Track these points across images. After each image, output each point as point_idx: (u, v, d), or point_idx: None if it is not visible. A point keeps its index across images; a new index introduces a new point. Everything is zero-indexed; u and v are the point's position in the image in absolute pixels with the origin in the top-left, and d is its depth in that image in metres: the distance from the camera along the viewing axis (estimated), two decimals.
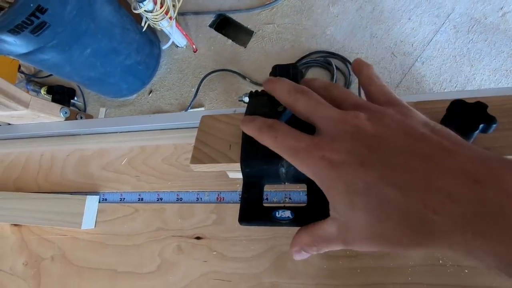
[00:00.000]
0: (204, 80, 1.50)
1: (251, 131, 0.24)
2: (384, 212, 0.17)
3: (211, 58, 1.54)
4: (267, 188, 0.34)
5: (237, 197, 0.35)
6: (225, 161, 0.30)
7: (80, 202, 0.37)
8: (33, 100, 0.36)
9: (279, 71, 0.33)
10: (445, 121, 0.25)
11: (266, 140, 0.22)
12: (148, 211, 0.38)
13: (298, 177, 0.28)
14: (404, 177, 0.16)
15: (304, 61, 1.36)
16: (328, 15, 1.42)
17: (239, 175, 0.32)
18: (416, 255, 0.30)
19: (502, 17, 1.24)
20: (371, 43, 1.34)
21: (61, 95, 0.40)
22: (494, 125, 0.23)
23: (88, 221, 0.38)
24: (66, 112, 0.41)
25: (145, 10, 1.25)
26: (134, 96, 1.60)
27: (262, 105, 0.32)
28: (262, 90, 0.35)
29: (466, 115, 0.24)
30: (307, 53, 1.37)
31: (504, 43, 1.21)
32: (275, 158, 0.27)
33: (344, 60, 1.33)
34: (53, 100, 0.40)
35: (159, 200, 0.37)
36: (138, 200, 0.38)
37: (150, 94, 1.60)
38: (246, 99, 0.35)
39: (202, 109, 1.48)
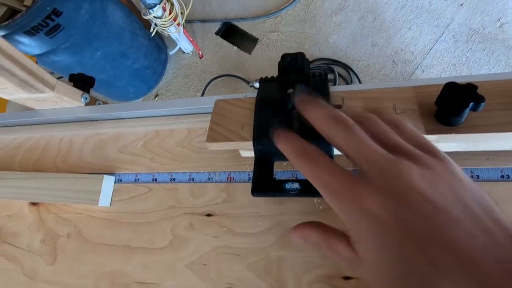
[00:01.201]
0: (209, 85, 1.54)
1: (286, 153, 0.22)
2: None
3: (216, 64, 1.58)
4: (275, 168, 0.37)
5: (246, 176, 0.37)
6: (238, 139, 0.33)
7: (98, 180, 0.40)
8: (58, 83, 0.39)
9: (288, 59, 0.36)
10: (439, 100, 0.28)
11: (302, 169, 0.20)
12: (162, 191, 0.40)
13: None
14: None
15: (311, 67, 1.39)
16: (331, 24, 1.47)
17: (251, 154, 0.35)
18: None
19: (499, 27, 1.28)
20: (373, 51, 1.38)
21: (83, 83, 0.43)
22: (483, 104, 0.25)
23: (105, 199, 0.40)
24: (86, 98, 0.43)
25: (154, 16, 1.30)
26: (141, 99, 1.64)
27: (272, 90, 0.35)
28: (271, 76, 0.38)
29: (458, 94, 0.26)
30: (310, 60, 1.41)
31: (502, 52, 1.25)
32: None
33: (346, 67, 1.37)
34: (74, 87, 0.43)
35: (172, 180, 0.40)
36: (152, 180, 0.40)
37: (156, 98, 1.63)
38: (257, 85, 0.37)
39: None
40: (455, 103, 0.26)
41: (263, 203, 0.36)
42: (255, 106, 0.34)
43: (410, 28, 1.37)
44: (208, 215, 0.37)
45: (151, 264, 0.37)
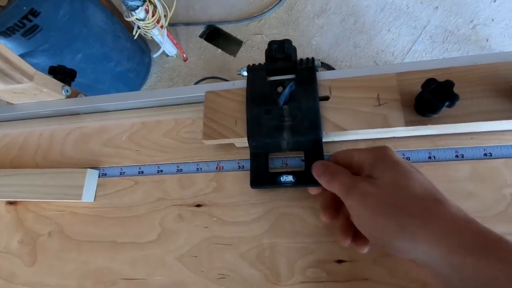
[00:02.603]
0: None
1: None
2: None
3: (201, 67, 1.57)
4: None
5: (236, 165, 0.37)
6: (233, 136, 0.34)
7: (81, 175, 0.38)
8: (37, 74, 0.37)
9: (275, 45, 0.36)
10: (419, 98, 0.30)
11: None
12: (149, 183, 0.38)
13: (297, 147, 0.33)
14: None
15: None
16: (314, 27, 1.50)
17: (246, 145, 0.35)
18: None
19: (472, 29, 1.35)
20: (355, 52, 1.42)
21: (63, 75, 0.42)
22: (457, 102, 0.28)
23: (88, 194, 0.38)
24: (67, 91, 0.42)
25: (136, 19, 1.28)
26: None
27: (262, 81, 0.36)
28: (259, 64, 0.38)
29: (436, 92, 0.28)
30: None
31: (476, 52, 1.31)
32: (277, 132, 0.32)
33: (329, 68, 1.39)
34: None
35: (159, 172, 0.39)
36: (138, 173, 0.39)
37: None
38: (245, 73, 0.37)
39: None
40: (432, 102, 0.28)
41: (254, 191, 0.35)
42: (246, 100, 0.34)
43: (389, 30, 1.42)
44: (198, 205, 0.36)
45: (139, 259, 0.36)
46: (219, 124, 0.35)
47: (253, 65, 0.37)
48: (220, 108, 0.35)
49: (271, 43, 0.37)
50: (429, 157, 0.33)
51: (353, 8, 1.49)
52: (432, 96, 0.28)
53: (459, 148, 0.32)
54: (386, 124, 0.31)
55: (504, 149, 0.31)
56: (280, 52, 0.36)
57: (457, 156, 0.32)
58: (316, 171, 0.30)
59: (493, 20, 1.34)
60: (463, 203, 0.31)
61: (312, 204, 0.34)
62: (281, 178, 0.32)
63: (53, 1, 1.03)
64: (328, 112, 0.33)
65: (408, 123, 0.30)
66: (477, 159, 0.32)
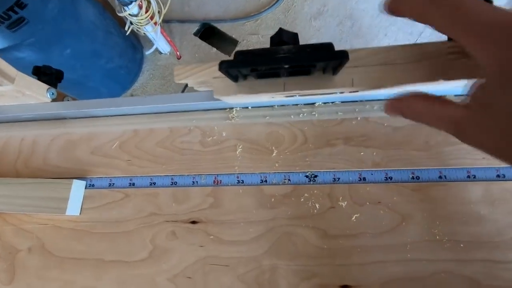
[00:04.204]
0: (188, 87, 1.49)
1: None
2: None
3: None
4: (266, 170, 0.34)
5: (235, 179, 0.35)
6: (213, 61, 0.26)
7: (65, 186, 0.35)
8: (19, 75, 0.34)
9: (284, 32, 0.30)
10: None
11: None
12: (140, 196, 0.36)
13: (303, 57, 0.23)
14: None
15: None
16: (311, 29, 1.48)
17: (234, 100, 0.30)
18: (414, 233, 0.30)
19: None
20: None
21: (49, 76, 0.38)
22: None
23: (73, 207, 0.35)
24: (53, 94, 0.38)
25: (129, 14, 1.24)
26: None
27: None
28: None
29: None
30: None
31: None
32: (273, 49, 0.24)
33: None
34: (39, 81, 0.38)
35: (152, 184, 0.36)
36: (129, 185, 0.36)
37: None
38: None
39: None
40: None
41: (254, 208, 0.33)
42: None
43: (386, 35, 1.42)
44: (193, 222, 0.34)
45: (128, 279, 0.33)
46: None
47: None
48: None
49: (281, 29, 0.30)
50: (440, 177, 0.31)
51: (350, 12, 1.48)
52: None
53: (471, 168, 0.31)
54: (422, 44, 0.23)
55: None
56: (291, 40, 0.30)
57: (468, 176, 0.31)
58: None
59: None
60: (475, 227, 0.29)
61: (315, 223, 0.32)
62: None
63: None
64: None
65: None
66: (490, 180, 0.30)
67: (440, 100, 0.20)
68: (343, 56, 0.22)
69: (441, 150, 0.32)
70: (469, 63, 0.22)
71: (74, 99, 0.42)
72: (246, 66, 0.23)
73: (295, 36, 0.29)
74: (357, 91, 0.27)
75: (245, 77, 0.26)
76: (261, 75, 0.26)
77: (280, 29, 0.30)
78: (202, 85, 0.29)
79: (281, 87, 0.26)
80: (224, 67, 0.23)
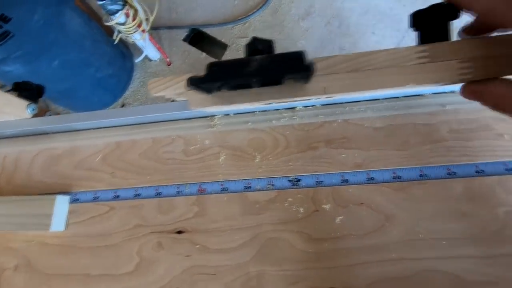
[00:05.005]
0: None
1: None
2: None
3: (185, 71, 1.53)
4: (249, 176, 0.34)
5: (219, 187, 0.35)
6: (187, 74, 0.25)
7: (49, 202, 0.35)
8: None
9: (257, 41, 0.30)
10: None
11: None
12: (125, 209, 0.36)
13: (270, 71, 0.23)
14: None
15: None
16: (299, 29, 1.49)
17: (215, 109, 0.30)
18: (397, 232, 0.30)
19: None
20: None
21: (29, 92, 0.38)
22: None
23: (58, 223, 0.35)
24: (33, 109, 0.38)
25: (116, 23, 1.24)
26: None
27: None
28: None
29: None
30: None
31: None
32: (245, 59, 0.23)
33: None
34: (19, 97, 0.38)
35: (137, 196, 0.36)
36: (114, 197, 0.36)
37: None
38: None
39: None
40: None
41: (239, 215, 0.33)
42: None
43: (373, 33, 1.42)
44: (179, 232, 0.34)
45: None
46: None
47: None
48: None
49: (254, 39, 0.30)
50: (421, 175, 0.31)
51: (338, 11, 1.49)
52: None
53: (451, 165, 0.31)
54: (393, 50, 0.24)
55: (496, 165, 0.30)
56: (265, 48, 0.31)
57: (449, 173, 0.31)
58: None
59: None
60: (457, 224, 0.30)
61: (300, 228, 0.32)
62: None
63: (26, 6, 0.97)
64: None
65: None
66: (470, 176, 0.31)
67: None
68: (309, 69, 0.22)
69: (421, 148, 0.32)
70: (438, 67, 0.22)
71: (58, 113, 0.41)
72: (214, 82, 0.24)
73: (269, 43, 0.29)
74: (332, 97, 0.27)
75: (219, 88, 0.26)
76: (234, 87, 0.26)
77: (253, 38, 0.30)
78: (180, 96, 0.29)
79: (256, 96, 0.26)
80: (192, 83, 0.23)
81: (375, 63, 0.24)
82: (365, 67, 0.24)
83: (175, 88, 0.27)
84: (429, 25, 0.24)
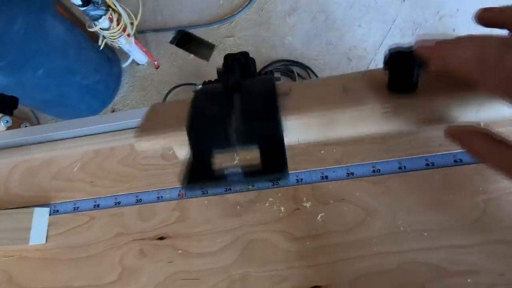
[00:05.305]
0: (169, 96, 1.48)
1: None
2: None
3: (174, 74, 1.53)
4: None
5: (199, 191, 0.34)
6: (172, 130, 0.27)
7: (27, 216, 0.34)
8: None
9: (231, 60, 0.32)
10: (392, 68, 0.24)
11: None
12: (106, 217, 0.35)
13: (249, 139, 0.25)
14: None
15: (266, 70, 1.39)
16: (285, 26, 1.48)
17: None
18: (378, 226, 0.30)
19: (439, 20, 1.37)
20: (328, 49, 1.41)
21: (2, 104, 0.37)
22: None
23: (38, 236, 0.34)
24: (7, 122, 0.37)
25: (100, 28, 1.22)
26: None
27: (213, 96, 0.30)
28: (215, 79, 0.35)
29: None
30: (269, 62, 1.41)
31: None
32: (224, 119, 0.25)
33: (304, 67, 1.38)
34: None
35: (117, 204, 0.35)
36: (94, 207, 0.36)
37: None
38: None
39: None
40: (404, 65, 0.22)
41: (219, 217, 0.33)
42: (192, 99, 0.28)
43: (360, 25, 1.42)
44: (161, 238, 0.33)
45: None
46: (157, 124, 0.28)
47: (209, 80, 0.34)
48: (162, 112, 0.29)
49: (227, 57, 0.33)
50: (400, 168, 0.31)
51: (323, 6, 1.48)
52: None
53: (429, 156, 0.31)
54: (359, 104, 0.25)
55: None
56: (237, 67, 0.33)
57: (427, 164, 0.31)
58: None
59: (458, 10, 1.36)
60: (437, 214, 0.30)
61: (282, 227, 0.32)
62: (225, 170, 0.25)
63: (5, 15, 0.96)
64: (288, 103, 0.26)
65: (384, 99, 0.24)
66: (448, 166, 0.30)
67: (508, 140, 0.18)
68: (282, 170, 0.23)
69: (398, 141, 0.32)
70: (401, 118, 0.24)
71: (33, 124, 0.41)
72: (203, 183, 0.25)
73: (247, 59, 0.30)
74: None
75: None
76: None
77: (226, 57, 0.30)
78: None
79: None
80: (188, 185, 0.24)
81: (343, 118, 0.24)
82: (335, 122, 0.25)
83: (161, 143, 0.27)
84: (397, 70, 0.23)
